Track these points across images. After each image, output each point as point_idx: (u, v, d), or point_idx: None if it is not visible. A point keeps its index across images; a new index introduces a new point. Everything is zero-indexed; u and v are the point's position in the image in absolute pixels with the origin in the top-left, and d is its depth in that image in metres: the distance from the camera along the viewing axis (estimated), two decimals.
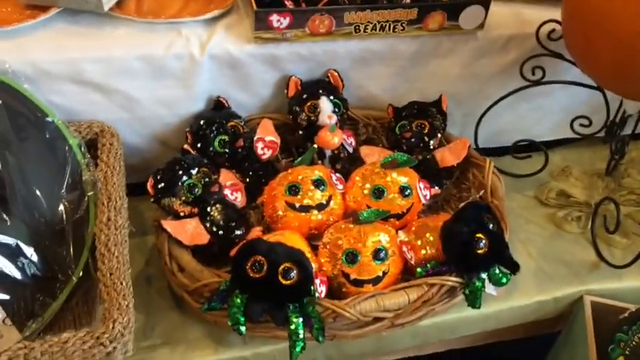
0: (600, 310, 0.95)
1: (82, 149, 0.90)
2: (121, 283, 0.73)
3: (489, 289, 0.87)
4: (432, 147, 1.04)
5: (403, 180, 0.94)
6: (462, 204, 0.94)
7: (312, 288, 0.77)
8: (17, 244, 0.79)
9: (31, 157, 0.85)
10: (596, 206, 1.07)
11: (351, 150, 1.06)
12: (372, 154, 1.03)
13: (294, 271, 0.76)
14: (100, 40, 0.93)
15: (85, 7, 0.93)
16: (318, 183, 0.92)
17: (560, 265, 1.02)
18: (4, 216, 0.80)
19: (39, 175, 0.85)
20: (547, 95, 1.13)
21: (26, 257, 0.80)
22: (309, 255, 0.84)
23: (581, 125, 1.11)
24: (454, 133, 1.10)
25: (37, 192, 0.84)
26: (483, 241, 0.83)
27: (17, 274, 0.78)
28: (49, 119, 0.88)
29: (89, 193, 0.87)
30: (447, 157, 1.03)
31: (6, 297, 0.77)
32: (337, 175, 0.96)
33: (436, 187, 1.01)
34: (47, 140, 0.87)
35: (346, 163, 1.04)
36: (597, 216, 1.06)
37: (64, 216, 0.85)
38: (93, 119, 0.95)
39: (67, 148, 0.89)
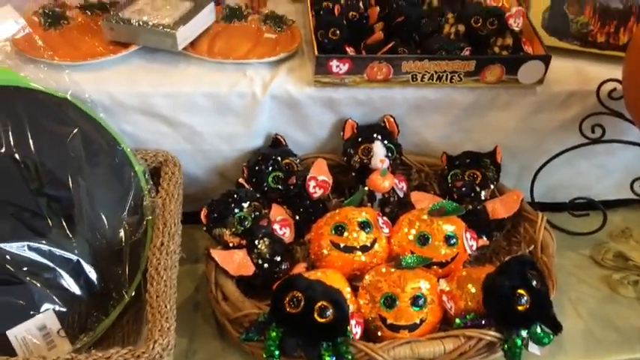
0: None
1: (146, 176, 0.97)
2: (166, 306, 0.77)
3: (532, 348, 0.85)
4: (483, 198, 1.03)
5: (449, 229, 0.94)
6: (507, 258, 0.93)
7: (347, 328, 0.79)
8: (79, 261, 0.86)
9: (99, 181, 0.92)
10: None
11: (401, 195, 1.07)
12: (423, 201, 1.04)
13: (330, 310, 0.77)
14: (172, 76, 1.00)
15: (162, 46, 1.00)
16: (364, 225, 0.93)
17: (611, 329, 0.98)
18: (70, 234, 0.86)
19: (104, 198, 0.91)
20: (607, 153, 1.11)
21: (85, 274, 0.86)
22: (348, 295, 0.85)
23: None
24: (509, 186, 1.09)
25: (102, 214, 0.90)
26: (525, 298, 0.82)
27: (76, 290, 0.84)
28: (120, 147, 0.95)
29: (148, 218, 0.93)
30: (499, 209, 1.02)
31: (63, 309, 0.83)
32: (384, 218, 0.98)
33: (484, 239, 1.00)
34: (115, 166, 0.94)
35: (396, 208, 1.05)
36: None
37: (123, 238, 0.91)
38: (159, 148, 1.02)
39: (132, 174, 0.95)
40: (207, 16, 1.06)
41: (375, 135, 1.05)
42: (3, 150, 0.86)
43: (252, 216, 0.94)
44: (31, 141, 0.88)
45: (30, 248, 0.83)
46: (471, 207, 1.01)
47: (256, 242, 0.92)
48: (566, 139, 1.09)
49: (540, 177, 1.13)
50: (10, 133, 0.87)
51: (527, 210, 1.03)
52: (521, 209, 1.03)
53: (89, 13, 1.08)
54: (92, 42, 1.03)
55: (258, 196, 0.98)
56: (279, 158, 1.03)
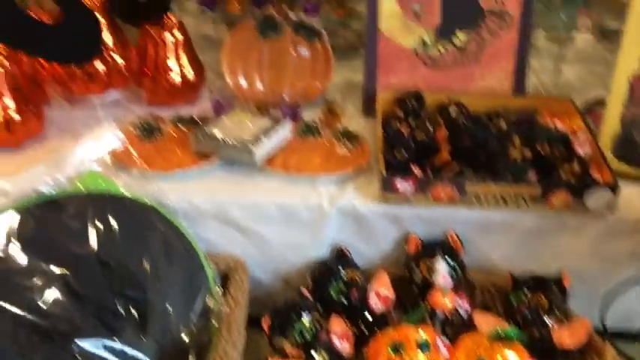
0: None
1: (216, 280, 1.02)
2: None
3: None
4: (549, 324, 1.01)
5: (511, 357, 0.92)
6: None
7: None
8: None
9: (173, 283, 0.98)
10: None
11: (464, 314, 1.06)
12: (486, 322, 1.02)
13: None
14: (248, 188, 1.08)
15: (242, 160, 1.09)
16: (423, 345, 0.93)
17: None
18: (142, 335, 0.91)
19: (177, 300, 0.97)
20: None
21: None
22: None
23: None
24: (577, 311, 1.06)
25: (172, 314, 0.95)
26: None
27: None
28: (195, 251, 1.02)
29: (214, 322, 0.97)
30: (565, 338, 0.99)
31: None
32: (444, 339, 0.97)
33: None
34: (189, 269, 1.00)
35: (457, 328, 1.03)
36: None
37: (190, 340, 0.95)
38: (229, 253, 1.08)
39: (203, 277, 1.01)
40: (284, 133, 1.14)
41: (438, 252, 1.07)
42: (92, 251, 0.94)
43: (313, 328, 0.96)
44: (116, 243, 0.96)
45: (104, 346, 0.89)
46: (535, 333, 0.99)
47: (315, 355, 0.94)
48: (638, 266, 1.06)
49: (611, 304, 1.09)
50: (98, 235, 0.96)
51: (596, 339, 0.99)
52: (589, 338, 0.99)
53: (180, 127, 1.19)
54: (180, 154, 1.13)
55: (319, 307, 1.00)
56: (343, 271, 1.06)
